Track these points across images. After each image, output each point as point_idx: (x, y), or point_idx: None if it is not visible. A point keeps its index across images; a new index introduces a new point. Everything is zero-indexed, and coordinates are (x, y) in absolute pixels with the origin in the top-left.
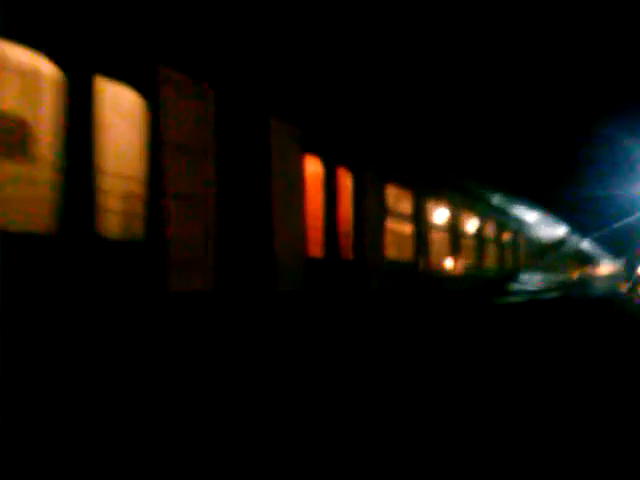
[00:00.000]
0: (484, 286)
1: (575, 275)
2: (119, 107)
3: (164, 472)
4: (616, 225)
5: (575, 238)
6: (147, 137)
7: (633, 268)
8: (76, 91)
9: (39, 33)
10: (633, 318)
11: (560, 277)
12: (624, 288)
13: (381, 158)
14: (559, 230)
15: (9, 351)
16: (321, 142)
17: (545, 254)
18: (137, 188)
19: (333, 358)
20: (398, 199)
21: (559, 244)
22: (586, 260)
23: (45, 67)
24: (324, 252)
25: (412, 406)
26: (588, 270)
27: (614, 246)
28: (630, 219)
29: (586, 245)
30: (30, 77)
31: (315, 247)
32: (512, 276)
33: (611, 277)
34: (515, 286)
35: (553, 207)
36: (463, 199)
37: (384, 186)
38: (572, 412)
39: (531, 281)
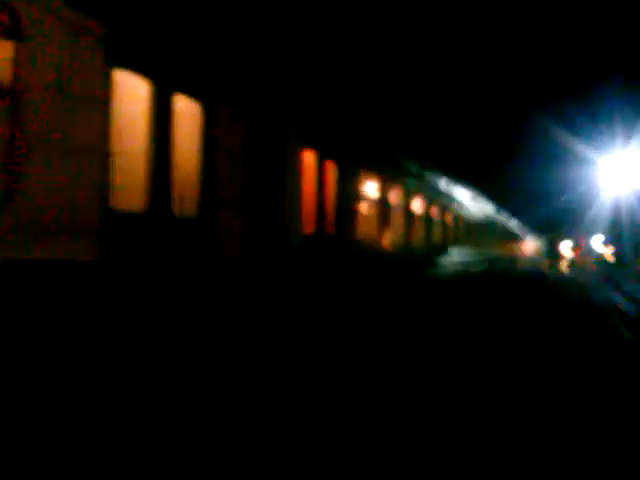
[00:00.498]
0: (419, 258)
1: (501, 251)
2: (192, 121)
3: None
4: (542, 207)
5: (503, 216)
6: (206, 144)
7: (554, 246)
8: (164, 105)
9: (152, 68)
10: (552, 289)
11: (487, 252)
12: (546, 263)
13: (356, 151)
14: (488, 208)
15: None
16: (317, 141)
17: (474, 231)
18: (197, 179)
19: (325, 287)
20: (365, 185)
21: (487, 221)
22: (512, 237)
23: (145, 87)
24: (316, 228)
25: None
26: (514, 246)
27: (538, 225)
28: (555, 202)
29: (512, 223)
30: (137, 96)
31: (310, 224)
32: (443, 250)
33: (534, 254)
34: (446, 259)
35: (483, 187)
36: (410, 183)
37: (359, 175)
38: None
39: (460, 255)
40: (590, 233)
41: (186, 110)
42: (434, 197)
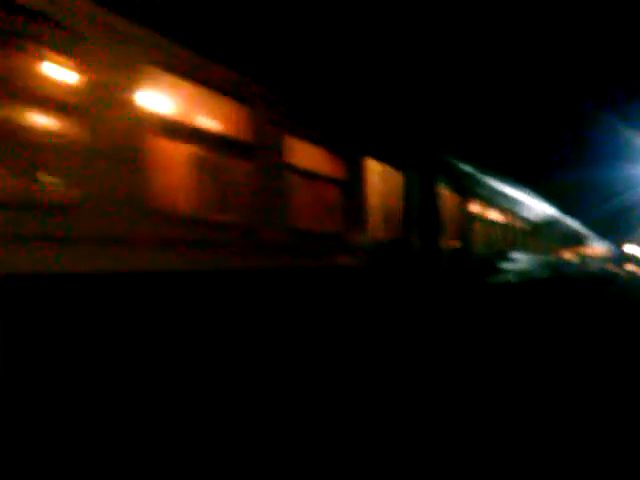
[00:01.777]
0: (479, 263)
1: (566, 255)
2: (397, 182)
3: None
4: (606, 207)
5: (566, 219)
6: (405, 193)
7: (620, 249)
8: (388, 175)
9: (381, 156)
10: (620, 294)
11: (551, 257)
12: (612, 268)
13: (470, 185)
14: (550, 211)
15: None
16: (449, 180)
17: (537, 234)
18: (399, 216)
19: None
20: (474, 207)
21: (550, 225)
22: (576, 241)
23: (377, 166)
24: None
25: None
26: (578, 251)
27: (603, 228)
28: (618, 202)
29: (576, 226)
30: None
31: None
32: (505, 255)
33: (600, 257)
34: (508, 265)
35: (546, 189)
36: (469, 185)
37: (471, 201)
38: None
39: (523, 260)
40: None
41: (393, 176)
42: (494, 200)
